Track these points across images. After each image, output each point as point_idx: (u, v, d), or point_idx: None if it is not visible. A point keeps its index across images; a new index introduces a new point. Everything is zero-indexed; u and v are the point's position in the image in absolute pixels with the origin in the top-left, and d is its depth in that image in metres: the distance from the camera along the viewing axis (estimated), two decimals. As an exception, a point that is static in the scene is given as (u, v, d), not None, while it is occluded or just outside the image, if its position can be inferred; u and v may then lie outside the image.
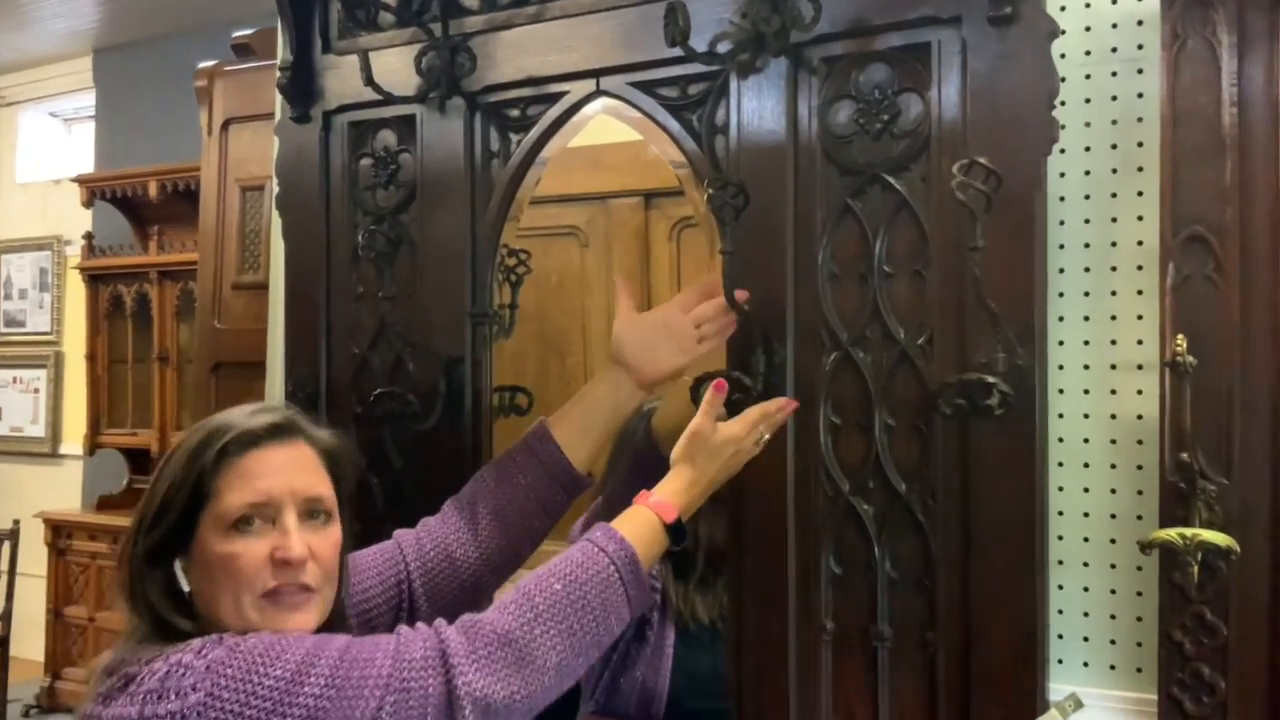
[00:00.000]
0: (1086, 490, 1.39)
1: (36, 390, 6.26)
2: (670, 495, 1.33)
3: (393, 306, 1.76)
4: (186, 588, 1.18)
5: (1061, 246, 1.42)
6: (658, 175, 2.82)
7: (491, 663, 1.14)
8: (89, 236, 5.44)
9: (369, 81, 1.69)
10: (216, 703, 1.05)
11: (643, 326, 1.53)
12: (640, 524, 1.30)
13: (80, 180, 5.28)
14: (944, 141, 1.40)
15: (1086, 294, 1.41)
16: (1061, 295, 1.41)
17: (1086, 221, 1.41)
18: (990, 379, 1.29)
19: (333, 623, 1.26)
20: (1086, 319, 1.40)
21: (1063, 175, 1.42)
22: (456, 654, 1.13)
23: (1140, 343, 1.36)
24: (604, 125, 2.30)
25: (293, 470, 1.20)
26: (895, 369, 1.43)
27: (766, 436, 1.43)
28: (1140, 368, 1.36)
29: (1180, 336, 1.19)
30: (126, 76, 5.67)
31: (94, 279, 5.37)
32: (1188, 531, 1.17)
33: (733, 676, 1.52)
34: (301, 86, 1.85)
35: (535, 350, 3.14)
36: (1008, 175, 1.30)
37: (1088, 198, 1.41)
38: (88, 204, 5.35)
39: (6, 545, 5.28)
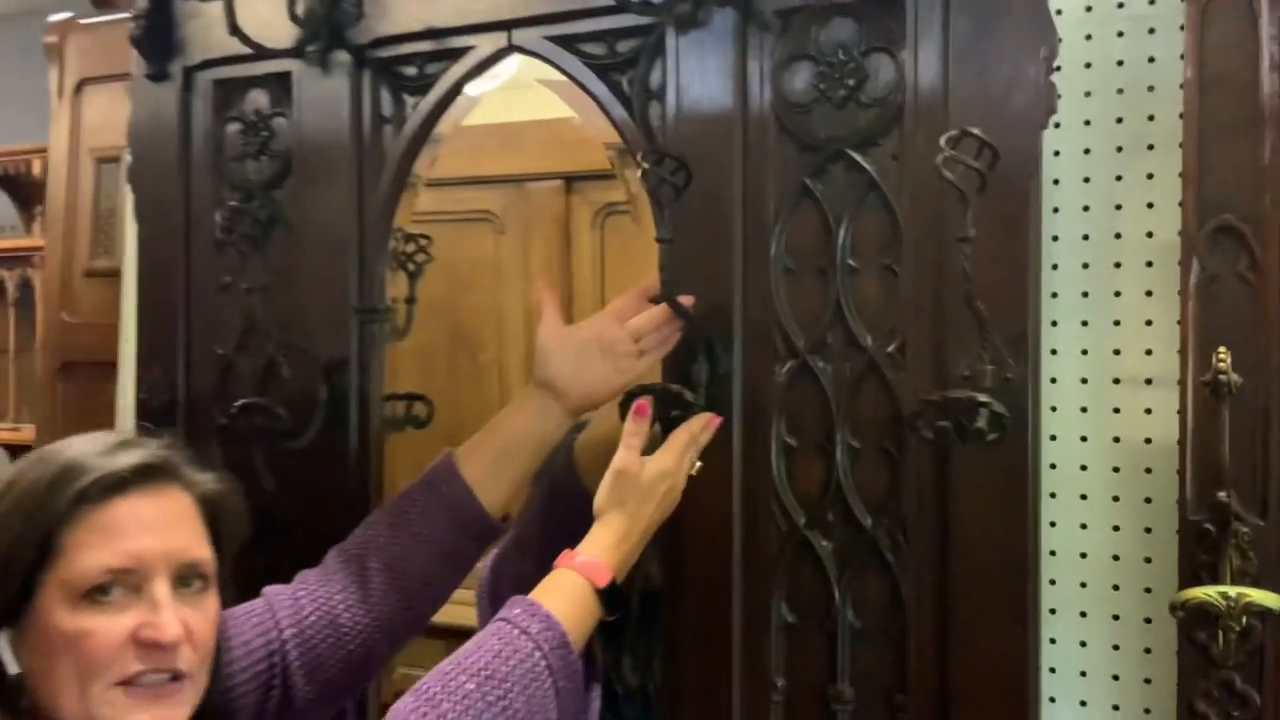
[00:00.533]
0: (1084, 527, 1.18)
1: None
2: (601, 553, 1.10)
3: (264, 300, 1.48)
4: (14, 669, 0.92)
5: (1056, 238, 1.21)
6: (581, 157, 2.57)
7: None
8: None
9: (234, 30, 1.41)
10: None
11: (572, 342, 1.28)
12: (568, 594, 1.06)
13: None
14: (920, 112, 1.17)
15: (1085, 295, 1.20)
16: (1055, 296, 1.20)
17: (1085, 209, 1.20)
18: (981, 398, 1.07)
19: (204, 716, 0.99)
20: (1085, 324, 1.19)
21: (1057, 154, 1.21)
22: None
23: (1149, 353, 1.16)
24: (522, 99, 2.06)
25: (167, 527, 0.96)
26: (861, 381, 1.21)
27: (699, 464, 1.20)
28: (1149, 382, 1.16)
29: (1223, 349, 0.98)
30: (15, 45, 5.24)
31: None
32: (1231, 590, 0.96)
33: (665, 743, 1.29)
34: (159, 38, 1.56)
35: (444, 347, 2.88)
36: (999, 153, 1.07)
37: (1087, 180, 1.20)
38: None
39: None
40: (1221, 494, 0.98)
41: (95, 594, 0.92)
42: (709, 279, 1.25)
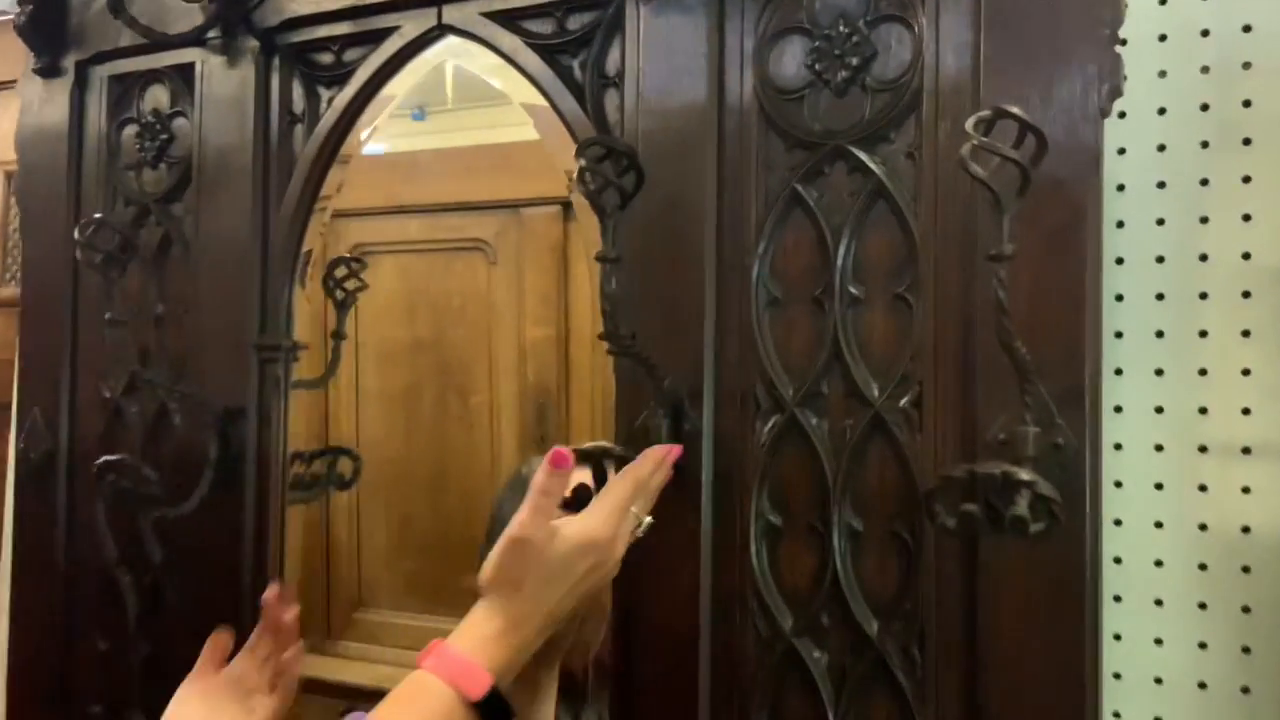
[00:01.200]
0: (1159, 643, 0.89)
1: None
2: (475, 649, 0.82)
3: (157, 334, 1.25)
4: None
5: (1120, 261, 0.93)
6: (580, 181, 2.35)
7: None
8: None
9: (117, 10, 1.17)
10: None
11: (206, 692, 1.04)
12: (425, 708, 0.78)
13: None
14: (943, 97, 0.91)
15: (1159, 334, 0.91)
16: (1120, 336, 0.92)
17: (1159, 223, 0.92)
18: (1022, 474, 0.79)
19: None
20: (1159, 373, 0.91)
21: (1122, 152, 0.93)
22: None
23: (1247, 412, 0.87)
24: (515, 117, 1.85)
25: None
26: (865, 444, 0.93)
27: (648, 520, 0.91)
28: (1247, 451, 0.87)
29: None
30: None
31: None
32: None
33: None
34: (48, 28, 1.33)
35: (433, 387, 2.64)
36: (1047, 142, 0.80)
37: (1162, 186, 0.92)
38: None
39: None
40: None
41: None
42: (671, 310, 0.98)
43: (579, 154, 0.90)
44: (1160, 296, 0.91)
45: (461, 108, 1.90)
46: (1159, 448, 0.90)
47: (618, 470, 0.93)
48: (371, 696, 1.69)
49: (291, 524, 1.25)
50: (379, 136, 1.46)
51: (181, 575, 1.23)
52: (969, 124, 0.77)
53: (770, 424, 0.97)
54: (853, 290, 0.94)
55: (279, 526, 1.21)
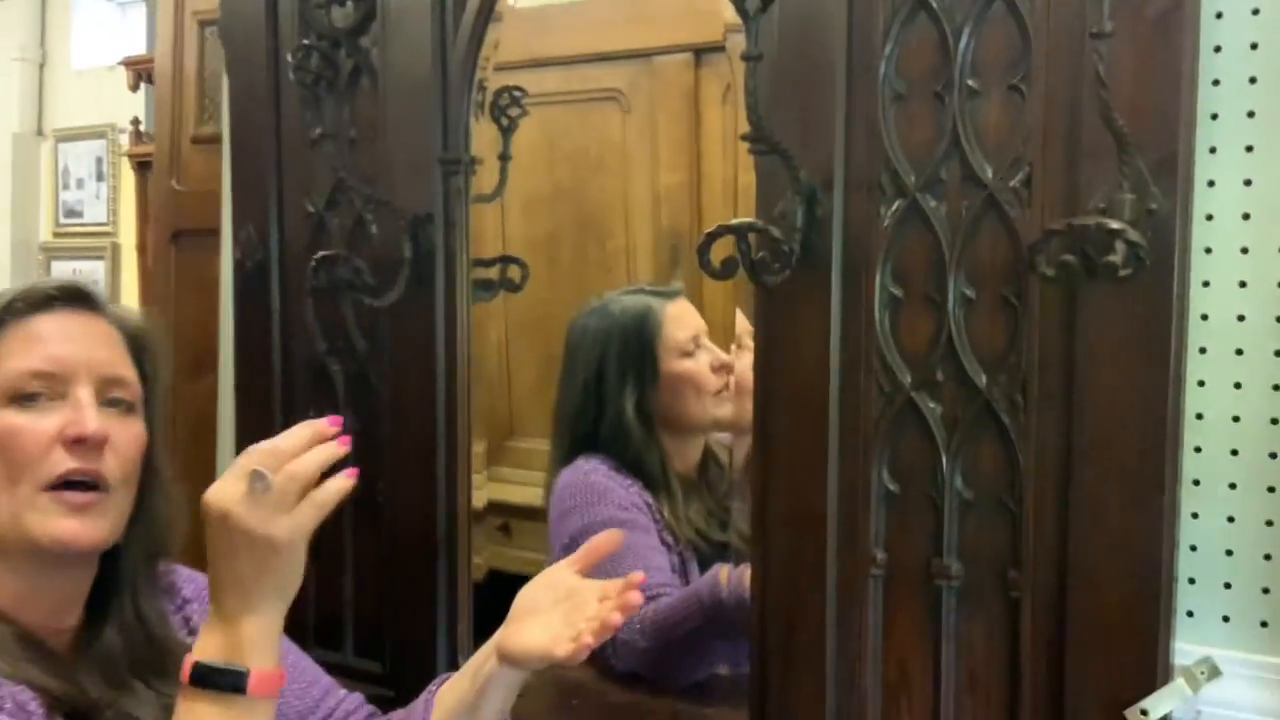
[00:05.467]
0: (1238, 386, 1.01)
1: (96, 282, 6.13)
2: (262, 655, 0.90)
3: (352, 153, 1.43)
4: None
5: (1218, 49, 1.01)
6: (710, 28, 2.43)
7: None
8: (135, 123, 5.24)
9: None
10: None
11: (545, 582, 1.13)
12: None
13: (126, 63, 5.11)
14: (1055, -101, 1.00)
15: (1251, 114, 1.00)
16: (1215, 118, 1.01)
17: (1255, 12, 1.00)
18: (1114, 225, 0.91)
19: (130, 555, 1.03)
20: (1249, 150, 1.00)
21: (1223, -52, 1.01)
22: None
23: (1329, 181, 0.97)
24: None
25: (89, 340, 1.01)
26: (979, 221, 1.06)
27: (270, 478, 0.87)
28: (1326, 215, 0.97)
29: None
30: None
31: (142, 166, 5.18)
32: None
33: (755, 620, 1.20)
34: (246, -119, 1.50)
35: (573, 233, 2.81)
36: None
37: (1261, -26, 1.00)
38: (134, 88, 5.15)
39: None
40: None
41: (22, 398, 0.97)
42: (805, 106, 1.11)
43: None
44: (1253, 80, 1.00)
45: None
46: (1245, 216, 1.00)
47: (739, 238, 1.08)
48: (526, 514, 1.92)
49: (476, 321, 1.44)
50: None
51: (383, 363, 1.44)
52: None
53: (894, 207, 1.10)
54: (971, 84, 1.06)
55: (466, 320, 1.40)
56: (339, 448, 0.90)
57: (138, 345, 1.06)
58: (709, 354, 1.66)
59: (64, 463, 0.95)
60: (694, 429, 1.70)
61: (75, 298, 1.03)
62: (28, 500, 0.95)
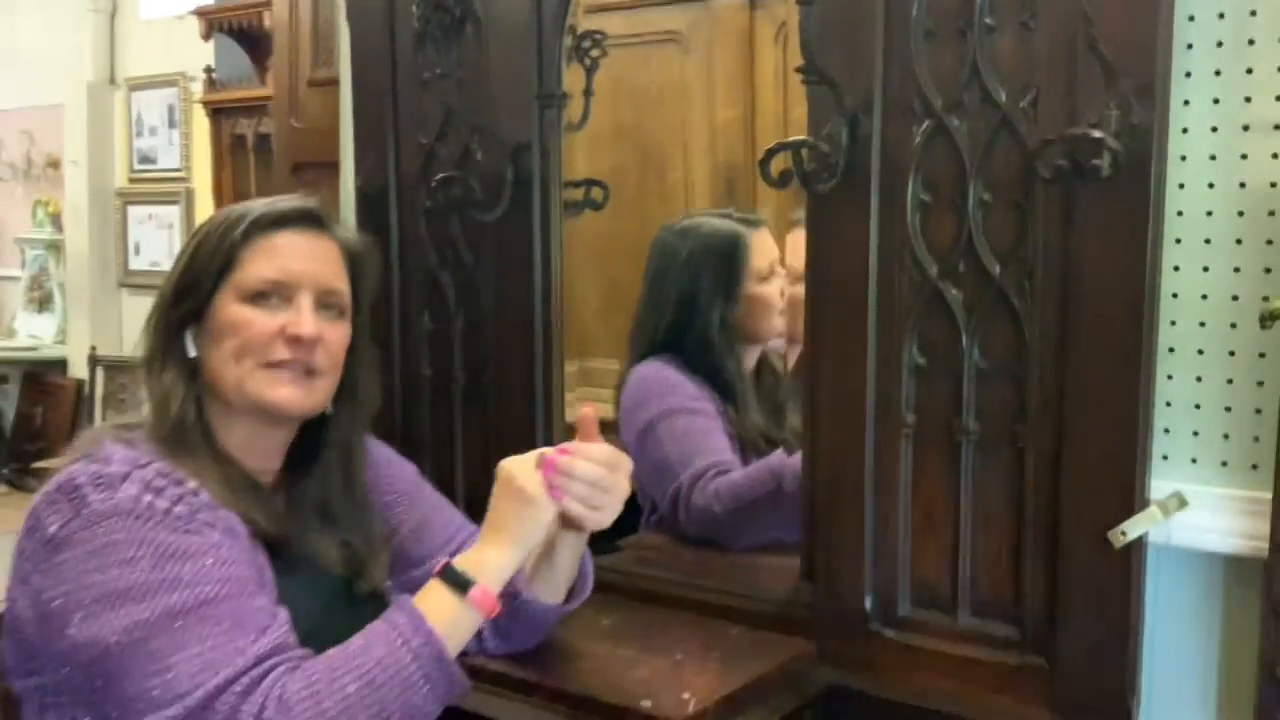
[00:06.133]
0: (1206, 269, 1.23)
1: (170, 226, 6.41)
2: (488, 574, 1.17)
3: (459, 91, 1.67)
4: (193, 352, 1.21)
5: (1195, -11, 1.22)
6: (764, -29, 2.63)
7: None
8: (209, 70, 5.48)
9: None
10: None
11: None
12: (450, 615, 1.15)
13: (198, 13, 5.30)
14: None
15: (1219, 44, 1.21)
16: (1191, 47, 1.22)
17: (1225, -43, 1.21)
18: (1097, 135, 1.13)
19: (341, 424, 1.29)
20: (1218, 74, 1.21)
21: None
22: None
23: (1278, 99, 1.18)
24: None
25: (315, 258, 1.23)
26: (994, 137, 1.28)
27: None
28: (1277, 128, 1.18)
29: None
30: None
31: (216, 114, 5.43)
32: (1318, 298, 1.01)
33: (806, 474, 1.44)
34: None
35: (635, 167, 3.03)
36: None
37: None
38: (206, 37, 5.36)
39: (146, 371, 5.57)
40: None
41: (257, 297, 1.20)
42: (850, 42, 1.33)
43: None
44: (1220, 15, 1.20)
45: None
46: (1214, 129, 1.21)
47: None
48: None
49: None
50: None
51: (488, 273, 1.69)
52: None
53: (923, 127, 1.32)
54: (988, 21, 1.27)
55: (559, 234, 1.64)
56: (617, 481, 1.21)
57: (354, 261, 1.28)
58: (779, 279, 1.89)
59: (282, 353, 1.19)
60: (762, 340, 1.94)
61: (308, 218, 1.24)
62: (250, 373, 1.19)
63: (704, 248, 1.90)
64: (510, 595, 1.29)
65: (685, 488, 1.76)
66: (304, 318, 1.19)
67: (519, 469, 1.20)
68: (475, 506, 1.69)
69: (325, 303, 1.23)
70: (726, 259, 1.87)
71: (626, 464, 1.23)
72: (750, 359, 1.96)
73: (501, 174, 1.63)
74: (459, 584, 1.15)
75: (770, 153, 1.33)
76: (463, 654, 1.36)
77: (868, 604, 1.40)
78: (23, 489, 6.14)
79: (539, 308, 1.65)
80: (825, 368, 1.41)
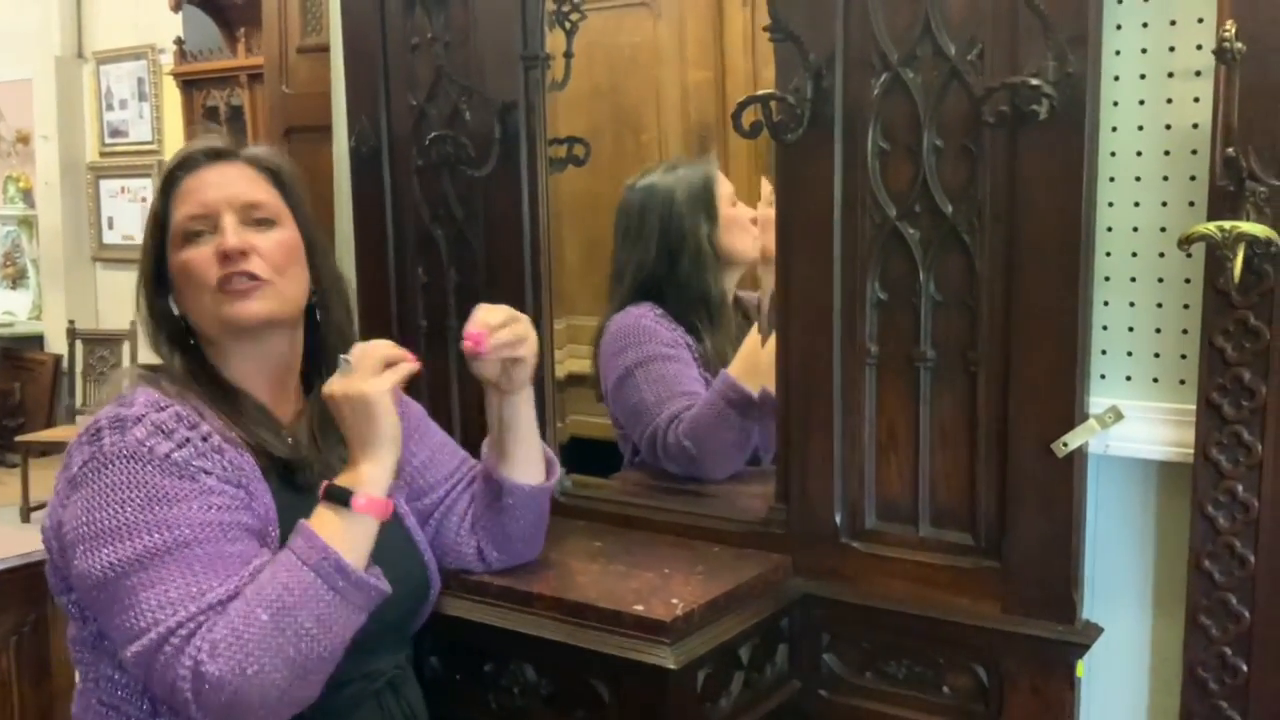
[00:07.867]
0: (1137, 205, 1.36)
1: (143, 199, 6.41)
2: (373, 486, 1.27)
3: (448, 54, 1.77)
4: (177, 311, 1.36)
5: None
6: (731, -64, 2.71)
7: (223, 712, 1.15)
8: (179, 42, 5.50)
9: None
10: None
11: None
12: (337, 521, 1.24)
13: (168, -14, 5.30)
14: None
15: (1146, 1, 1.34)
16: (1120, 2, 1.35)
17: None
18: (1034, 82, 1.25)
19: (327, 331, 1.41)
20: (1145, 25, 1.34)
21: None
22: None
23: (1199, 48, 1.30)
24: None
25: (226, 183, 1.33)
26: (945, 87, 1.40)
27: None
28: (1199, 74, 1.31)
29: (1230, 21, 1.13)
30: None
31: (187, 85, 5.46)
32: (1226, 224, 1.14)
33: (780, 400, 1.57)
34: None
35: (610, 128, 3.11)
36: None
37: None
38: (175, 8, 5.38)
39: (127, 344, 5.64)
40: (1231, 150, 1.15)
41: (192, 237, 1.31)
42: (812, 1, 1.45)
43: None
44: (1146, -28, 1.33)
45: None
46: (1142, 76, 1.34)
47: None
48: (575, 381, 2.20)
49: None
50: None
51: (478, 227, 1.80)
52: None
53: (881, 79, 1.44)
54: (937, -19, 1.39)
55: (545, 188, 1.75)
56: (404, 351, 1.31)
57: (272, 172, 1.37)
58: (741, 206, 2.01)
59: (220, 271, 1.29)
60: (739, 260, 2.04)
61: (211, 154, 1.35)
62: (211, 303, 1.30)
63: (677, 180, 2.04)
64: (497, 489, 1.43)
65: (662, 428, 1.88)
66: (227, 234, 1.29)
67: (336, 387, 1.28)
68: (471, 450, 1.82)
69: (251, 218, 1.32)
70: (701, 183, 2.02)
71: (523, 315, 1.40)
72: (731, 284, 2.07)
73: (490, 132, 1.74)
74: (340, 498, 1.24)
75: (741, 106, 1.45)
76: (467, 572, 1.48)
77: (837, 519, 1.53)
78: (3, 464, 6.20)
79: (528, 258, 1.77)
80: (795, 303, 1.54)
